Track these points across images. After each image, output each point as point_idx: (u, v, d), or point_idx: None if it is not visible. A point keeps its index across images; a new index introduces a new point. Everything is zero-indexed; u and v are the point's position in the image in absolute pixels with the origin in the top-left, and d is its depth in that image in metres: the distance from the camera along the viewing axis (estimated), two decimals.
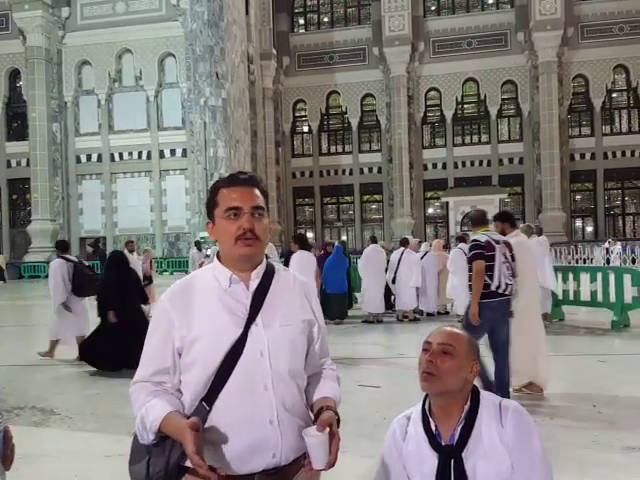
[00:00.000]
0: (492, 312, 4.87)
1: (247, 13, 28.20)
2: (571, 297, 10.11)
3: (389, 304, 11.45)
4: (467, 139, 32.30)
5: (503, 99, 31.52)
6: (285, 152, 33.77)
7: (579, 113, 30.99)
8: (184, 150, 28.49)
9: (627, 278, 9.18)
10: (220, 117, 24.93)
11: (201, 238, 19.58)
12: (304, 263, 8.38)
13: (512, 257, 5.00)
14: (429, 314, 11.06)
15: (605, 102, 30.52)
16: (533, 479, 1.55)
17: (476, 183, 31.13)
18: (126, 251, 10.63)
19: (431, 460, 1.60)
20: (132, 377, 1.57)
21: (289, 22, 34.18)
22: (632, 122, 30.72)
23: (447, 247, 14.55)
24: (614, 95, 30.81)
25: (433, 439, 1.61)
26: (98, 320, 7.10)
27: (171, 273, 26.02)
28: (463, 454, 1.57)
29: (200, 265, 11.99)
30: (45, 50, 29.09)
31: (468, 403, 1.62)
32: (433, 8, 32.75)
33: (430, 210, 33.25)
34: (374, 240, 11.70)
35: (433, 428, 1.63)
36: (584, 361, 6.88)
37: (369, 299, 10.70)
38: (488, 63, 30.87)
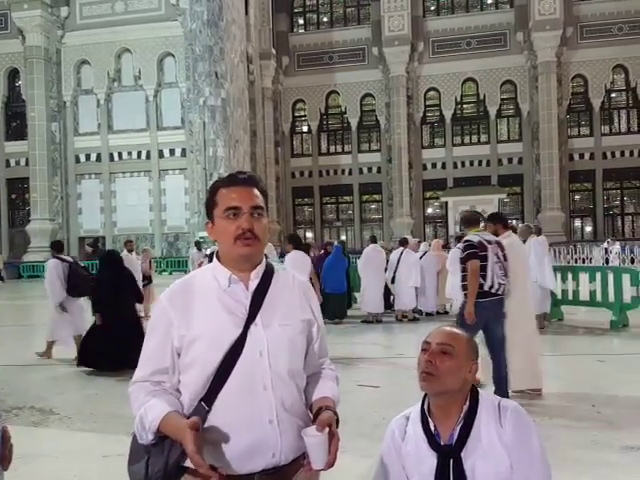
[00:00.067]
0: (485, 311, 4.95)
1: (246, 13, 28.20)
2: (570, 297, 10.10)
3: (388, 304, 11.43)
4: (466, 139, 32.29)
5: (502, 99, 31.51)
6: (284, 152, 33.75)
7: (578, 113, 31.00)
8: (183, 150, 28.47)
9: (626, 278, 9.18)
10: (219, 117, 24.93)
11: (200, 238, 19.55)
12: (298, 263, 8.34)
13: (504, 257, 5.05)
14: (428, 314, 11.05)
15: (604, 102, 30.52)
16: (532, 479, 1.55)
17: (475, 183, 31.14)
18: (125, 251, 10.64)
19: (430, 460, 1.60)
20: (131, 377, 1.57)
21: (288, 22, 34.16)
22: (631, 122, 30.73)
23: (446, 247, 14.54)
24: (613, 95, 30.82)
25: (432, 439, 1.61)
26: (93, 319, 7.12)
27: (170, 273, 25.98)
28: (462, 454, 1.57)
29: (199, 265, 11.96)
30: (44, 49, 29.07)
31: (467, 403, 1.62)
32: (432, 8, 32.75)
33: (429, 210, 33.26)
34: (374, 240, 11.69)
35: (432, 428, 1.63)
36: (583, 361, 6.88)
37: (368, 299, 10.70)
38: (487, 63, 30.86)
